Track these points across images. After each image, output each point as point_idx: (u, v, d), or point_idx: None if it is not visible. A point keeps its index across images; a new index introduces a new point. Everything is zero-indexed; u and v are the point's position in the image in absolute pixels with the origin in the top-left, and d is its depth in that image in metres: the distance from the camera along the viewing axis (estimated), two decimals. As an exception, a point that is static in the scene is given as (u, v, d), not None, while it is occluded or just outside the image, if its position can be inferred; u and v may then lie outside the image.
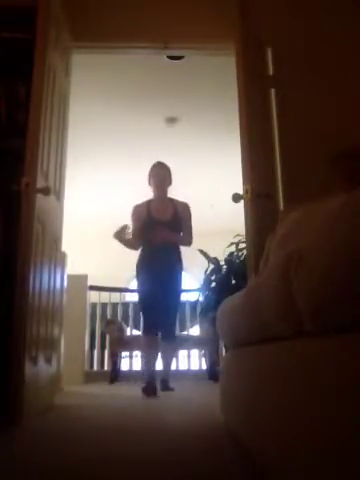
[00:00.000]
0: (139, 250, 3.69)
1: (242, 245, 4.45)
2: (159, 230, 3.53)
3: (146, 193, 3.75)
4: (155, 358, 3.60)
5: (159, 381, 3.57)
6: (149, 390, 3.32)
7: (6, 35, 2.75)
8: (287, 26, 2.92)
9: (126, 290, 6.49)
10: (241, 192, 2.50)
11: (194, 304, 5.41)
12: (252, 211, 2.40)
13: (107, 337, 5.55)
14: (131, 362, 5.63)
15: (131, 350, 5.33)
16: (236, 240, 4.64)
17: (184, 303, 5.55)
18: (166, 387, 3.64)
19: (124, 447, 1.54)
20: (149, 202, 3.74)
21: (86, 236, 7.31)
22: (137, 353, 5.59)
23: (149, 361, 3.57)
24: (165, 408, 2.75)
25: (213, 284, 4.80)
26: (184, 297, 5.58)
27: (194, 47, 3.23)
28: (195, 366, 5.68)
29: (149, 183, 3.76)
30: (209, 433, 1.81)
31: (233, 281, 4.54)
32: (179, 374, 4.94)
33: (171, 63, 3.92)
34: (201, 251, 4.95)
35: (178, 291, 3.70)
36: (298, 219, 1.71)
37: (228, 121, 4.15)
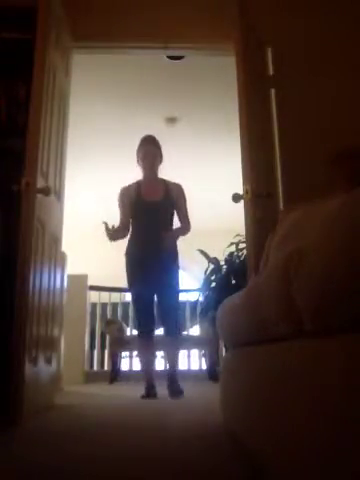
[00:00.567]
0: (128, 237, 3.39)
1: (242, 245, 4.45)
2: (156, 230, 3.23)
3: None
4: (152, 361, 3.47)
5: (167, 386, 3.27)
6: (148, 396, 3.19)
7: (6, 35, 2.75)
8: (287, 26, 2.92)
9: (126, 290, 6.45)
10: (241, 192, 2.50)
11: (194, 304, 5.41)
12: (252, 211, 2.40)
13: (107, 337, 5.55)
14: (131, 362, 5.63)
15: (131, 350, 5.33)
16: (236, 240, 4.63)
17: (184, 303, 5.54)
18: (175, 391, 3.20)
19: (124, 446, 1.54)
20: (138, 183, 3.44)
21: (86, 236, 7.31)
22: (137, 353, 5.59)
23: (145, 364, 3.38)
24: (165, 407, 2.75)
25: (213, 284, 4.79)
26: (184, 297, 5.58)
27: (194, 47, 3.23)
28: (195, 366, 5.68)
29: (137, 162, 3.44)
30: (209, 432, 1.81)
31: (233, 281, 4.54)
32: (179, 374, 4.92)
33: (171, 63, 3.92)
34: (201, 251, 4.95)
35: (176, 284, 3.36)
36: (298, 219, 1.71)
37: (228, 121, 4.16)
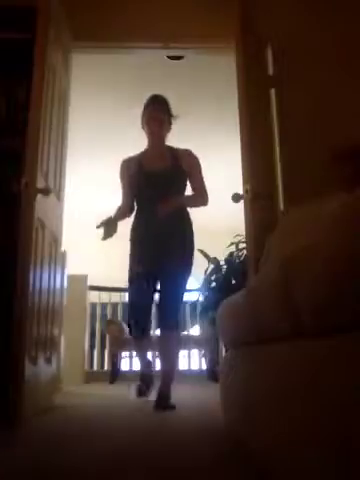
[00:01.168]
0: (132, 216, 2.88)
1: (242, 245, 4.45)
2: (158, 202, 2.67)
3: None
4: (145, 355, 3.06)
5: (156, 393, 2.62)
6: (140, 389, 2.96)
7: (6, 35, 2.75)
8: (287, 26, 2.92)
9: (126, 290, 6.48)
10: (241, 192, 2.50)
11: (194, 304, 5.41)
12: (252, 211, 2.40)
13: (107, 337, 5.55)
14: (131, 362, 5.62)
15: (131, 350, 5.32)
16: (236, 240, 4.64)
17: (184, 303, 5.54)
18: (162, 403, 2.49)
19: (124, 446, 1.54)
20: (142, 153, 2.92)
21: (86, 236, 7.30)
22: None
23: (140, 358, 3.07)
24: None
25: (213, 284, 4.80)
26: (184, 297, 5.56)
27: (194, 47, 3.23)
28: (195, 366, 5.68)
29: (142, 127, 2.89)
30: (209, 432, 1.81)
31: (233, 281, 4.54)
32: (179, 374, 4.93)
33: (171, 63, 3.92)
34: (201, 251, 4.94)
35: (184, 272, 2.72)
36: (298, 219, 1.71)
37: (228, 121, 4.15)
